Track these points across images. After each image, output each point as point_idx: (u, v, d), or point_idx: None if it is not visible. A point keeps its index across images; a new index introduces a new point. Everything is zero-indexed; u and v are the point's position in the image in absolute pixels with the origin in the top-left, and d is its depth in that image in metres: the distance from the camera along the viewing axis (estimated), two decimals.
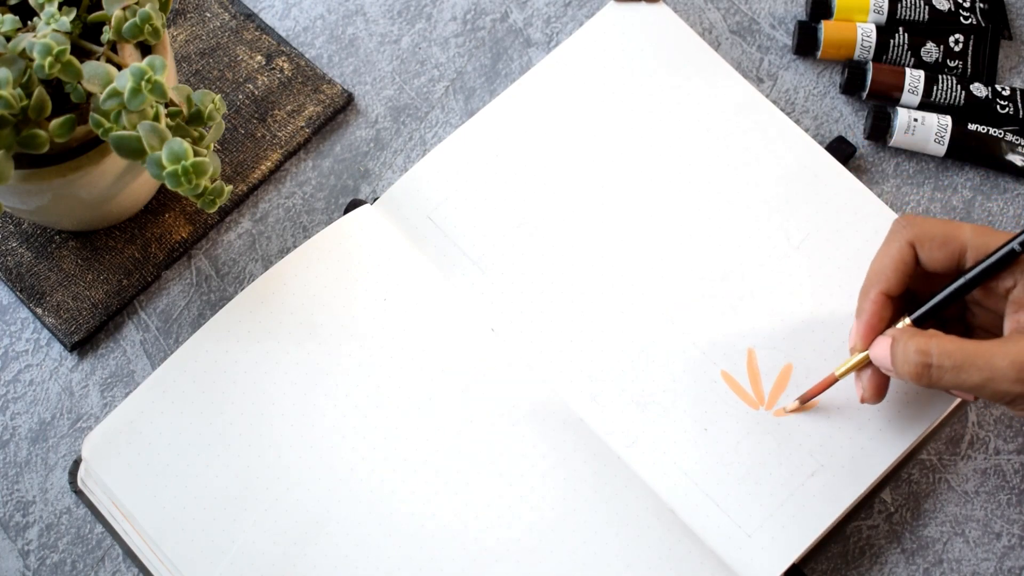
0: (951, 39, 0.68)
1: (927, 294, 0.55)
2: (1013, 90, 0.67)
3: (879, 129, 0.66)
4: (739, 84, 0.67)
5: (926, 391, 0.59)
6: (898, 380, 0.57)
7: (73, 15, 0.53)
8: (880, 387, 0.56)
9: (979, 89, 0.67)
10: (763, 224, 0.63)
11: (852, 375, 0.57)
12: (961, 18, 0.69)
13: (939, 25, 0.69)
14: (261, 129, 0.68)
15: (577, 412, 0.59)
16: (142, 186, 0.62)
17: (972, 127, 0.66)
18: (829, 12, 0.69)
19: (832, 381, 0.57)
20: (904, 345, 0.52)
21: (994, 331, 0.55)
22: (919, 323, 0.55)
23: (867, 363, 0.56)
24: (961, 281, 0.54)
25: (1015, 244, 0.53)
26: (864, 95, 0.67)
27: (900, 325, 0.55)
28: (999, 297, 0.54)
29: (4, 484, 0.61)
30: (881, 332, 0.55)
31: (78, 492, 0.60)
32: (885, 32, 0.68)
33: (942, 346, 0.51)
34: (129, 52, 0.57)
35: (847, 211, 0.63)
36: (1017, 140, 0.66)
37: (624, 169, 0.65)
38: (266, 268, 0.65)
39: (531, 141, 0.66)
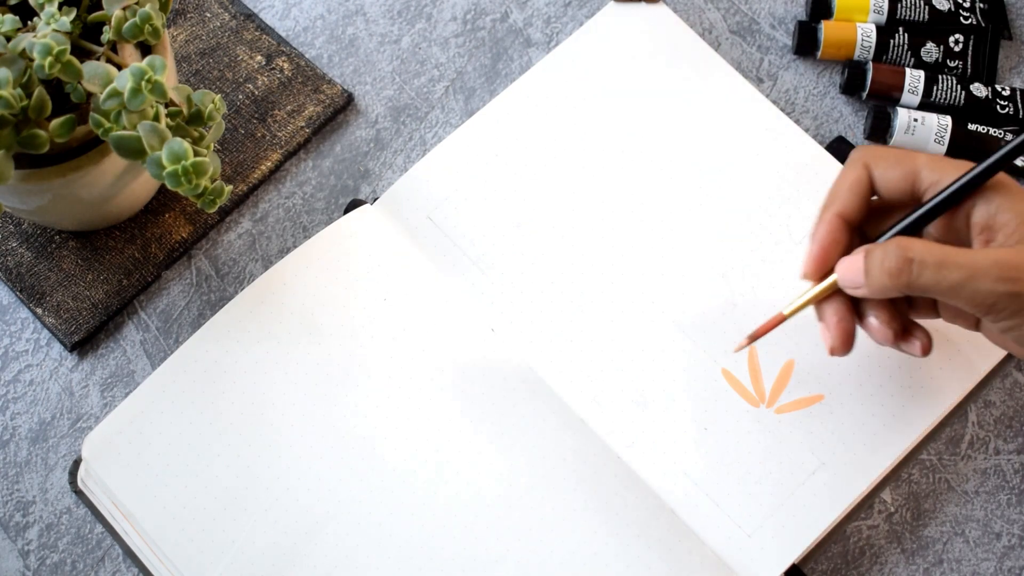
0: (951, 39, 0.68)
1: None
2: (1013, 90, 0.67)
3: (879, 129, 0.66)
4: (739, 84, 0.67)
5: (926, 391, 0.59)
6: (881, 358, 0.55)
7: (73, 15, 0.53)
8: (848, 334, 0.54)
9: (979, 89, 0.67)
10: (763, 224, 0.63)
11: (819, 327, 0.55)
12: (961, 18, 0.69)
13: (939, 25, 0.69)
14: (261, 129, 0.68)
15: (577, 412, 0.59)
16: (142, 186, 0.62)
17: (972, 127, 0.66)
18: (829, 12, 0.69)
19: (781, 320, 0.55)
20: (883, 248, 0.51)
21: None
22: None
23: (821, 299, 0.54)
24: (922, 211, 0.52)
25: (977, 171, 0.51)
26: (864, 95, 0.67)
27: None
28: (960, 228, 0.53)
29: (4, 484, 0.61)
30: (835, 260, 0.53)
31: (78, 492, 0.60)
32: (885, 32, 0.68)
33: (923, 244, 0.50)
34: (129, 52, 0.57)
35: None
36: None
37: (624, 169, 0.65)
38: (266, 268, 0.65)
39: (531, 141, 0.66)
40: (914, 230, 0.53)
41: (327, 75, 0.69)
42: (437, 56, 0.70)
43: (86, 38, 0.55)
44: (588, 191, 0.64)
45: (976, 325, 0.54)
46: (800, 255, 0.62)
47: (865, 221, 0.55)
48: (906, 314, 0.56)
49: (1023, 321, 0.50)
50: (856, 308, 0.55)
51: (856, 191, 0.53)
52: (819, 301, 0.55)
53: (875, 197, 0.54)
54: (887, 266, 0.50)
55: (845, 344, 0.54)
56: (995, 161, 0.51)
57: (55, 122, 0.52)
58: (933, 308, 0.55)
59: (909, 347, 0.55)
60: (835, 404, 0.59)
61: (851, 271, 0.52)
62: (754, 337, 0.56)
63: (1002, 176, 0.52)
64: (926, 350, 0.54)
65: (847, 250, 0.54)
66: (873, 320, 0.54)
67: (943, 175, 0.52)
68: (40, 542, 0.60)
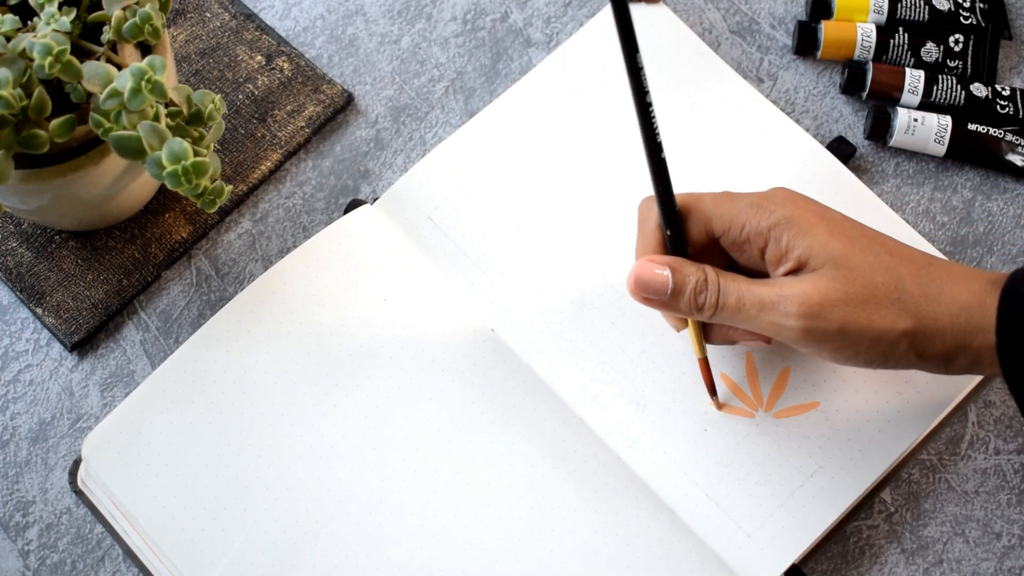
0: (951, 39, 0.68)
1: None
2: (1013, 90, 0.67)
3: (879, 129, 0.66)
4: (739, 84, 0.67)
5: (925, 391, 0.59)
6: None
7: (73, 15, 0.53)
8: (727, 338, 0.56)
9: (979, 89, 0.67)
10: None
11: (738, 342, 0.57)
12: (961, 18, 0.69)
13: (939, 25, 0.69)
14: (261, 129, 0.68)
15: (577, 412, 0.59)
16: (142, 186, 0.62)
17: (972, 127, 0.66)
18: (829, 12, 0.69)
19: (704, 362, 0.58)
20: (695, 284, 0.53)
21: None
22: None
23: (703, 324, 0.56)
24: (660, 205, 0.54)
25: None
26: (864, 95, 0.67)
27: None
28: (759, 263, 0.54)
29: (4, 484, 0.61)
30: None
31: (78, 492, 0.60)
32: (885, 32, 0.68)
33: (728, 280, 0.53)
34: (129, 52, 0.57)
35: (847, 211, 0.63)
36: (1017, 140, 0.66)
37: (624, 169, 0.65)
38: (266, 268, 0.65)
39: (531, 141, 0.66)
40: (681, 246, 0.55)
41: (327, 75, 0.69)
42: (437, 56, 0.70)
43: (86, 38, 0.55)
44: (588, 191, 0.64)
45: (768, 341, 0.56)
46: None
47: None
48: None
49: (821, 348, 0.52)
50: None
51: (662, 243, 0.55)
52: (708, 331, 0.57)
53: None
54: (696, 299, 0.53)
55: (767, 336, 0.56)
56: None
57: (55, 122, 0.52)
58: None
59: (754, 342, 0.57)
60: (831, 411, 0.59)
61: (655, 280, 0.54)
62: (711, 387, 0.59)
63: (779, 207, 0.53)
64: (768, 340, 0.56)
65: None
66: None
67: (709, 208, 0.54)
68: (40, 542, 0.60)
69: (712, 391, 0.59)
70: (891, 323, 0.51)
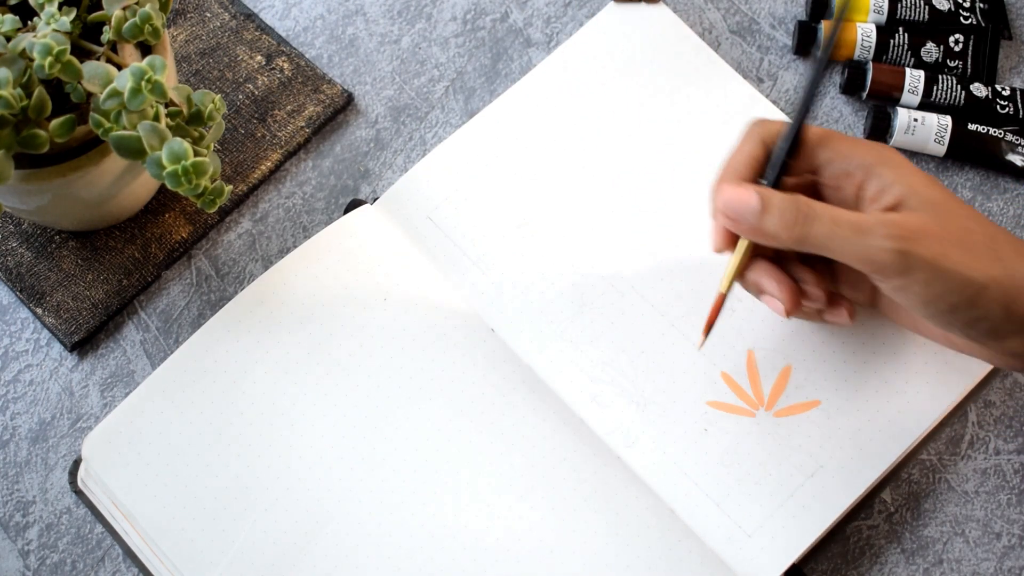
0: (951, 39, 0.68)
1: None
2: (1013, 90, 0.67)
3: (879, 129, 0.66)
4: (739, 84, 0.67)
5: (925, 391, 0.59)
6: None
7: (73, 15, 0.53)
8: (792, 291, 0.55)
9: (979, 89, 0.67)
10: None
11: (765, 300, 0.56)
12: (961, 18, 0.69)
13: (939, 25, 0.69)
14: (261, 129, 0.68)
15: (577, 412, 0.59)
16: (142, 186, 0.62)
17: (972, 127, 0.66)
18: (829, 12, 0.69)
19: (721, 299, 0.56)
20: (781, 198, 0.52)
21: None
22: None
23: (745, 266, 0.55)
24: (793, 126, 0.54)
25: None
26: (864, 95, 0.67)
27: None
28: (852, 201, 0.54)
29: (4, 484, 0.61)
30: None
31: (78, 492, 0.60)
32: (885, 32, 0.68)
33: (819, 203, 0.52)
34: (129, 52, 0.57)
35: None
36: (1017, 140, 0.66)
37: (624, 169, 0.65)
38: (266, 268, 0.65)
39: (531, 141, 0.66)
40: (791, 151, 0.54)
41: (327, 75, 0.69)
42: (437, 56, 0.70)
43: (86, 38, 0.55)
44: (588, 192, 0.64)
45: (872, 300, 0.56)
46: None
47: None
48: (829, 282, 0.57)
49: (911, 281, 0.51)
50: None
51: (752, 166, 0.55)
52: (744, 270, 0.55)
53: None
54: (785, 217, 0.51)
55: (794, 301, 0.55)
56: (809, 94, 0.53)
57: (55, 122, 0.52)
58: (831, 277, 0.57)
59: (836, 316, 0.56)
60: (832, 409, 0.59)
61: (742, 201, 0.53)
62: (709, 326, 0.57)
63: (889, 152, 0.54)
64: (852, 313, 0.56)
65: None
66: (802, 285, 0.56)
67: (832, 142, 0.54)
68: (40, 542, 0.60)
69: (707, 330, 0.57)
70: (986, 268, 0.50)
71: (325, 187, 0.67)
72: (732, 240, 0.55)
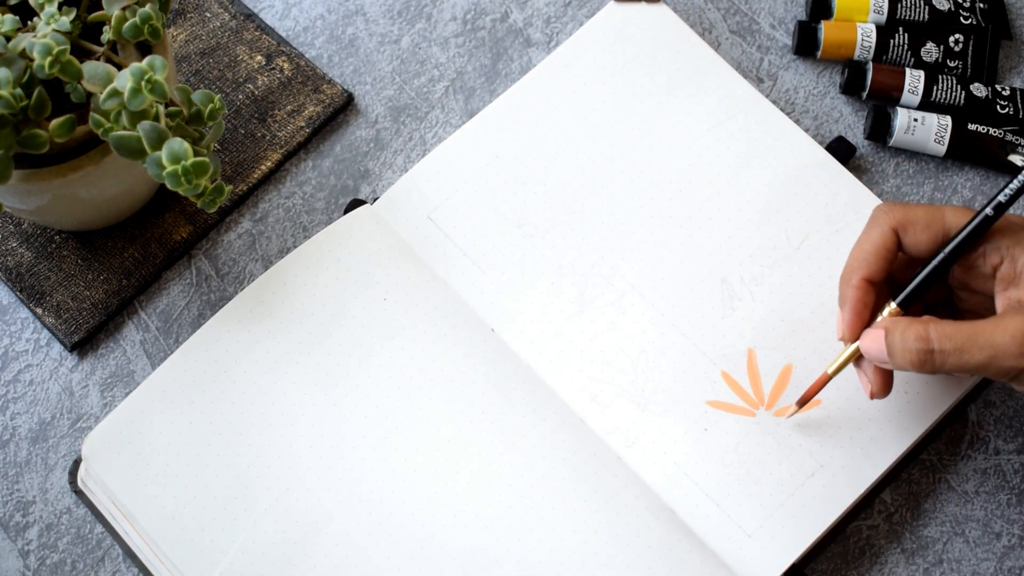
0: (951, 39, 0.68)
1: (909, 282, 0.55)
2: (1013, 90, 0.67)
3: (879, 129, 0.66)
4: (739, 84, 0.67)
5: (925, 391, 0.59)
6: (901, 372, 0.56)
7: (73, 15, 0.53)
8: (886, 379, 0.55)
9: (979, 89, 0.67)
10: (763, 224, 0.63)
11: (856, 372, 0.57)
12: (961, 18, 0.69)
13: (939, 25, 0.69)
14: (261, 129, 0.68)
15: (577, 412, 0.59)
16: (142, 186, 0.62)
17: (972, 127, 0.66)
18: (829, 12, 0.69)
19: (826, 380, 0.57)
20: (902, 334, 0.52)
21: (983, 313, 0.54)
22: (904, 306, 0.54)
23: (861, 355, 0.56)
24: (944, 253, 0.53)
25: (988, 210, 0.52)
26: (864, 95, 0.67)
27: (886, 312, 0.54)
28: (986, 277, 0.54)
29: (4, 484, 0.61)
30: (868, 320, 0.55)
31: (78, 492, 0.60)
32: (885, 32, 0.68)
33: (941, 330, 0.51)
34: (129, 52, 0.57)
35: (847, 211, 0.63)
36: (1017, 140, 0.66)
37: (624, 169, 0.65)
38: (266, 268, 0.65)
39: (531, 141, 0.66)
40: (939, 275, 0.54)
41: (327, 75, 0.69)
42: (437, 56, 0.70)
43: (86, 38, 0.55)
44: (588, 192, 0.64)
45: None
46: (799, 259, 0.62)
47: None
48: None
49: None
50: None
51: (884, 256, 0.54)
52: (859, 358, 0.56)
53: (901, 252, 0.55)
54: (908, 358, 0.52)
55: (884, 388, 0.56)
56: (996, 205, 0.52)
57: (55, 122, 0.52)
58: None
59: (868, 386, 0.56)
60: (833, 409, 0.59)
61: (875, 348, 0.53)
62: (803, 401, 0.58)
63: (1016, 219, 0.53)
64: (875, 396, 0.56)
65: (878, 306, 0.55)
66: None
67: (969, 218, 0.53)
68: (40, 542, 0.60)
69: (803, 403, 0.58)
70: None
71: (325, 187, 0.67)
72: (858, 336, 0.55)
